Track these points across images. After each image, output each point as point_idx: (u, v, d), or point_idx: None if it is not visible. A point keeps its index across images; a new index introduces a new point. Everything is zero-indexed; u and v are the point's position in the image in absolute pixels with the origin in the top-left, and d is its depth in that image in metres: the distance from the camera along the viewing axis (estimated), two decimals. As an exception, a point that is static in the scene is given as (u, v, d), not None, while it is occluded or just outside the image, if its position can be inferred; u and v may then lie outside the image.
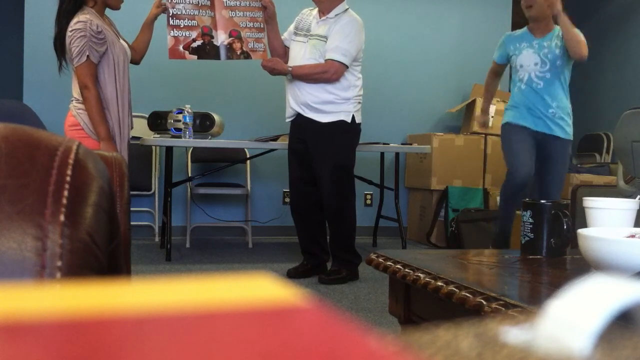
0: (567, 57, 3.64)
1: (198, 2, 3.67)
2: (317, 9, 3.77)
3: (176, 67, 4.98)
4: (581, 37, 3.56)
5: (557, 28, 3.69)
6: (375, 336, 0.22)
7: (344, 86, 3.70)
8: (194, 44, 3.67)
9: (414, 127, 5.84)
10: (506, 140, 3.75)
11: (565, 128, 3.65)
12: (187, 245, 4.99)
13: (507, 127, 3.75)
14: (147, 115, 4.66)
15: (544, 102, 3.63)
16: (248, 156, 5.20)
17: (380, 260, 1.40)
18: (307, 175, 3.79)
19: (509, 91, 3.99)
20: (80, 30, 2.97)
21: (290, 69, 3.67)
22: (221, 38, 3.71)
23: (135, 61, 3.46)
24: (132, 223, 1.57)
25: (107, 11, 3.19)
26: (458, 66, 5.96)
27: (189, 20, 3.65)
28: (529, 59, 3.64)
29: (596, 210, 1.40)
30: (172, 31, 3.64)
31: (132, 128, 3.31)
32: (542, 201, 1.49)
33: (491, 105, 5.56)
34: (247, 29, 3.74)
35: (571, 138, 3.70)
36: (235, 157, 5.15)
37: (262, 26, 3.77)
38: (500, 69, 3.97)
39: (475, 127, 5.51)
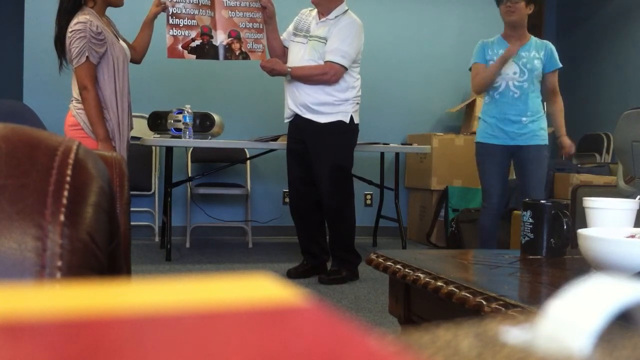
0: (542, 69, 3.67)
1: (198, 1, 3.66)
2: (316, 10, 3.77)
3: (176, 67, 4.98)
4: (561, 107, 3.82)
5: (534, 39, 3.71)
6: (375, 336, 0.22)
7: (343, 87, 3.70)
8: (193, 44, 3.67)
9: (414, 127, 5.83)
10: (479, 163, 3.78)
11: (537, 134, 3.64)
12: (187, 245, 4.99)
13: (479, 147, 3.76)
14: (147, 115, 4.66)
15: (518, 110, 3.62)
16: (248, 156, 5.20)
17: (380, 260, 1.40)
18: (306, 175, 3.79)
19: None
20: (80, 31, 2.97)
21: (289, 69, 3.67)
22: (220, 38, 3.71)
23: (136, 60, 3.46)
24: (132, 223, 1.57)
25: (108, 10, 3.19)
26: (458, 66, 5.96)
27: (189, 20, 3.65)
28: (508, 68, 3.61)
29: (596, 210, 1.40)
30: (171, 30, 3.64)
31: (132, 128, 3.31)
32: (542, 201, 1.49)
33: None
34: (247, 29, 3.74)
35: (546, 142, 3.69)
36: (235, 157, 5.15)
37: (261, 27, 3.77)
38: (482, 68, 3.84)
39: (475, 127, 5.51)
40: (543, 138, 3.68)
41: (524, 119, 3.62)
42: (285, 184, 4.35)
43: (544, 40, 3.79)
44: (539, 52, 3.66)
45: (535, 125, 3.64)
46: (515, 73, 3.61)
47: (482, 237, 3.76)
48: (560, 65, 3.75)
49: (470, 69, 3.84)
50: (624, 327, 0.29)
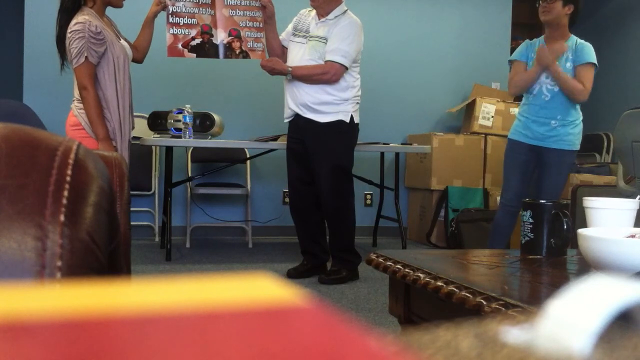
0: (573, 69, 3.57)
1: (198, 0, 3.67)
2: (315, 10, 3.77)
3: (176, 66, 4.98)
4: (577, 87, 3.51)
5: (573, 39, 3.61)
6: (375, 336, 0.22)
7: (343, 87, 3.70)
8: (193, 42, 3.67)
9: (414, 127, 5.84)
10: (505, 158, 3.79)
11: (564, 139, 3.58)
12: (187, 245, 4.99)
13: (508, 144, 3.77)
14: (147, 115, 4.66)
15: (548, 113, 3.57)
16: (248, 156, 5.20)
17: (380, 260, 1.40)
18: (306, 175, 3.79)
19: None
20: (79, 32, 2.97)
21: (290, 69, 3.68)
22: (221, 37, 3.71)
23: (138, 60, 3.46)
24: (132, 223, 1.57)
25: (108, 10, 3.19)
26: (458, 66, 5.96)
27: (189, 19, 3.65)
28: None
29: (596, 210, 1.40)
30: (171, 29, 3.64)
31: (133, 128, 3.32)
32: (542, 201, 1.49)
33: (491, 106, 5.55)
34: (247, 28, 3.74)
35: (572, 149, 3.62)
36: (235, 157, 5.15)
37: (261, 26, 3.77)
38: (522, 67, 3.72)
39: (475, 127, 5.51)
40: (570, 143, 3.60)
41: (553, 122, 3.58)
42: (285, 184, 4.35)
43: (581, 40, 3.65)
44: (569, 53, 3.57)
45: (565, 129, 3.58)
46: (547, 77, 3.58)
47: (492, 233, 3.75)
48: (591, 61, 3.55)
49: (510, 64, 3.80)
50: (624, 327, 0.29)
